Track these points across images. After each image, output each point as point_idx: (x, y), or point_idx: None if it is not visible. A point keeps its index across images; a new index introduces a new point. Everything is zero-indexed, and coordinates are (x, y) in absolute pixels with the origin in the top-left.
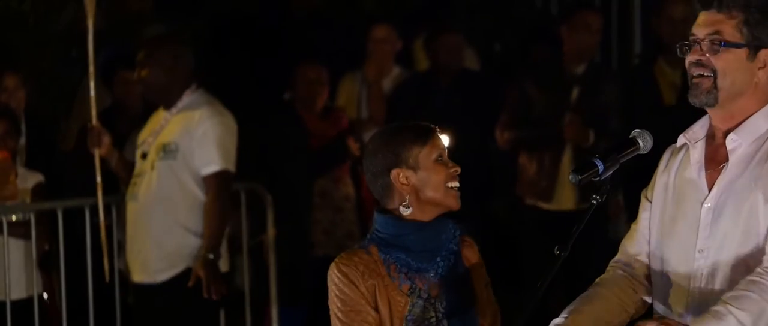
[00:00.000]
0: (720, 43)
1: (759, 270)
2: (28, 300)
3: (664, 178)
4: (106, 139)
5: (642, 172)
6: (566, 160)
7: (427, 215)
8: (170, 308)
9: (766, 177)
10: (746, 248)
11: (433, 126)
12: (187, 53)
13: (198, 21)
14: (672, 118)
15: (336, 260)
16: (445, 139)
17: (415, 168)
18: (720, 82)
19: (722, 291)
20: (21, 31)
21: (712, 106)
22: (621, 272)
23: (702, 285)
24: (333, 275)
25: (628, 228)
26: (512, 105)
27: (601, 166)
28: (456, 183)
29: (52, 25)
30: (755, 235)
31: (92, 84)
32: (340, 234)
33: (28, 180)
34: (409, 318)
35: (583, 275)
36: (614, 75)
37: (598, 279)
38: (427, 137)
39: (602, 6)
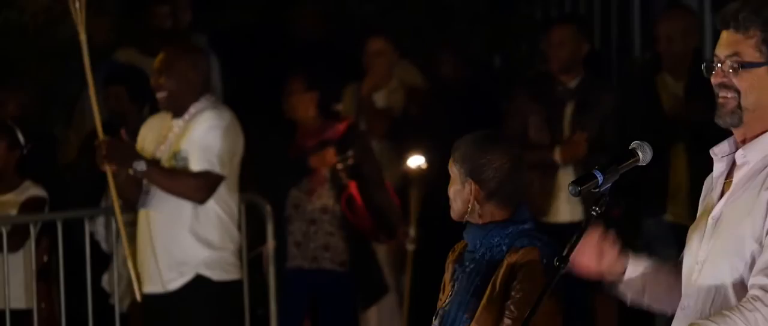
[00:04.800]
0: (739, 65)
1: (733, 306)
2: (27, 312)
3: (703, 193)
4: None
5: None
6: (562, 171)
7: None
8: (181, 316)
9: (757, 206)
10: (735, 266)
11: None
12: (204, 62)
13: (201, 30)
14: (672, 130)
15: None
16: (418, 160)
17: None
18: (743, 102)
19: (713, 306)
20: (21, 43)
21: (736, 125)
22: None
23: (691, 300)
24: None
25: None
26: (510, 122)
27: (600, 178)
28: None
29: (52, 37)
30: (742, 256)
31: (94, 98)
32: (313, 247)
33: (26, 192)
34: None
35: (582, 287)
36: (609, 86)
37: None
38: None
39: (601, 14)
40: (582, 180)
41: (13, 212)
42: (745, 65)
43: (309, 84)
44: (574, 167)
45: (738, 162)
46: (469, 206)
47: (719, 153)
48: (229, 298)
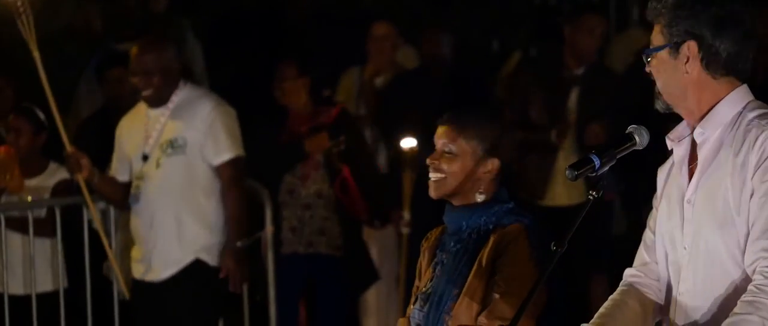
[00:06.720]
0: (648, 54)
1: (751, 287)
2: (54, 294)
3: (662, 183)
4: (85, 162)
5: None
6: (561, 155)
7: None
8: (177, 300)
9: (736, 172)
10: (723, 241)
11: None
12: (176, 48)
13: (197, 18)
14: (669, 118)
15: None
16: (411, 141)
17: None
18: (658, 86)
19: (705, 291)
20: (16, 31)
21: (667, 109)
22: (634, 279)
23: (688, 284)
24: None
25: (625, 224)
26: (511, 101)
27: (597, 162)
28: (431, 175)
29: (48, 24)
30: (732, 228)
31: (57, 115)
32: (308, 232)
33: (54, 175)
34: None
35: (581, 270)
36: (614, 75)
37: (615, 293)
38: None
39: (600, 3)
40: (579, 164)
41: (46, 196)
42: (649, 50)
43: (301, 70)
44: (574, 151)
45: (698, 140)
46: (480, 184)
47: (676, 138)
48: (225, 283)
